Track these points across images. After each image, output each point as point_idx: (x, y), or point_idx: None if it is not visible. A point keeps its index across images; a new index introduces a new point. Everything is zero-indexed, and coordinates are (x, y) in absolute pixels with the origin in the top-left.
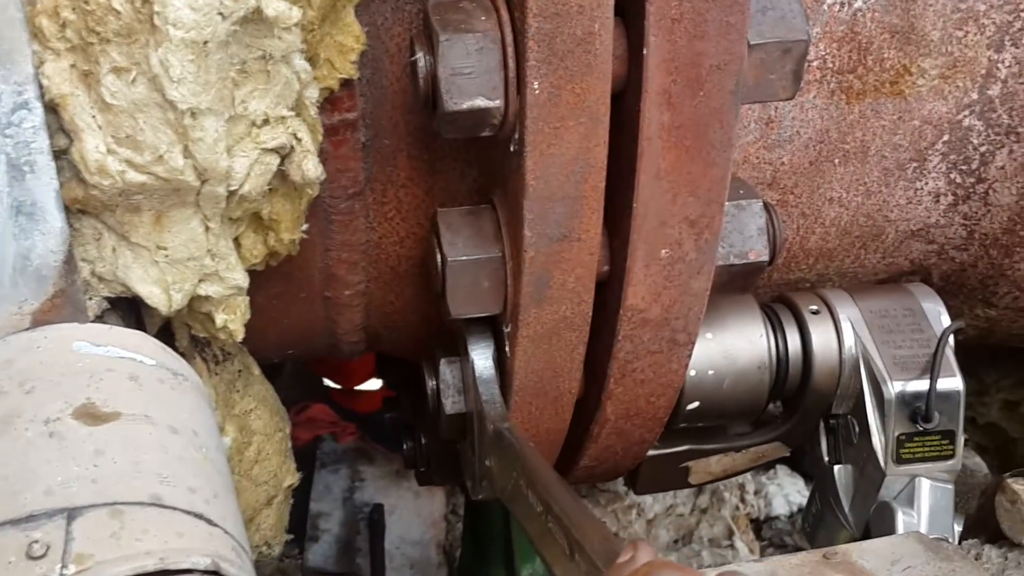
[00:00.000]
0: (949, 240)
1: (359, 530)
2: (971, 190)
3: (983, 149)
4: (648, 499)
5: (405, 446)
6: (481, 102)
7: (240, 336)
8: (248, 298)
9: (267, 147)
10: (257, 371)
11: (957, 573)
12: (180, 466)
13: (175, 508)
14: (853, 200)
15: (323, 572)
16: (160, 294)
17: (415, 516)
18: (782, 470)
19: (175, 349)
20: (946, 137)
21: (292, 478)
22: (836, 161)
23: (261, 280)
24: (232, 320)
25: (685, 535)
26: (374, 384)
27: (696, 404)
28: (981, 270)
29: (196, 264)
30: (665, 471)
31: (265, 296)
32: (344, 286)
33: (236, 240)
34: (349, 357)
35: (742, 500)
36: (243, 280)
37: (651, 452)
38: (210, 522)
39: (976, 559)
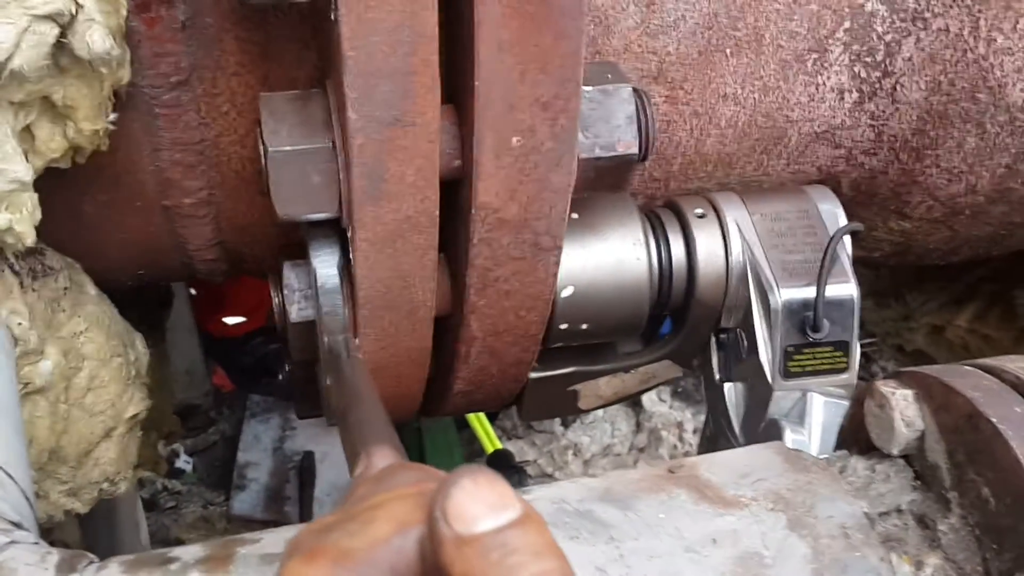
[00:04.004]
0: (857, 143)
1: (288, 478)
2: (877, 85)
3: (888, 38)
4: (585, 439)
5: (281, 376)
6: None
7: (30, 239)
8: (36, 195)
9: (39, 13)
10: (92, 290)
11: (813, 485)
12: None
13: None
14: (750, 97)
15: (249, 520)
16: None
17: (346, 463)
18: None
19: None
20: (847, 24)
21: (136, 407)
22: (728, 51)
23: (84, 185)
24: (18, 220)
25: None
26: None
27: (567, 321)
28: (892, 177)
29: None
30: (552, 395)
31: (93, 204)
32: (183, 193)
33: (28, 130)
34: (212, 279)
35: (680, 439)
36: (25, 173)
37: (534, 375)
38: None
39: (840, 472)
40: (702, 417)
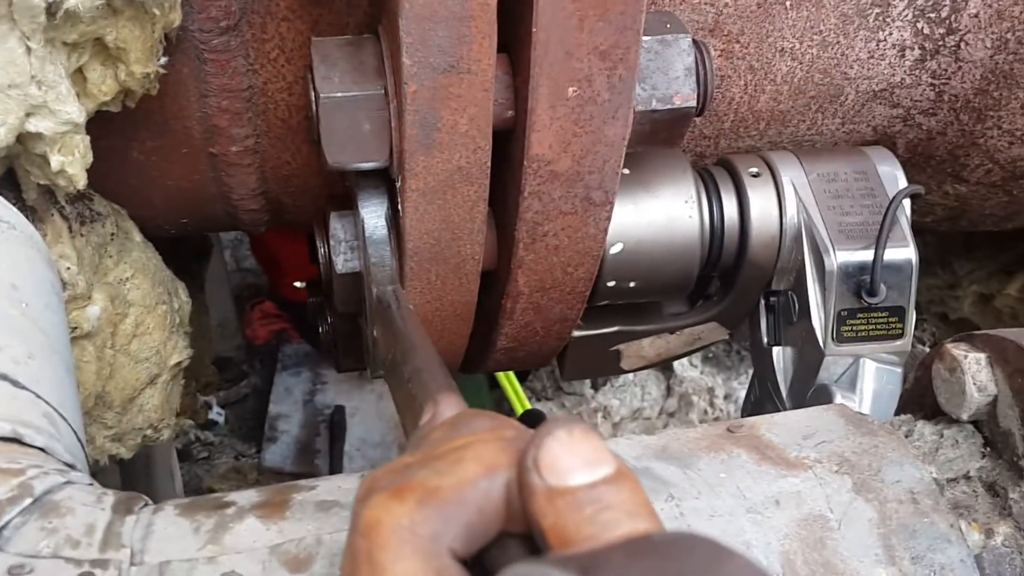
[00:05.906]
0: (916, 103)
1: (319, 431)
2: (940, 43)
3: None
4: (615, 402)
5: (321, 329)
6: None
7: (81, 182)
8: (88, 137)
9: None
10: (138, 237)
11: (880, 449)
12: None
13: None
14: (808, 52)
15: (280, 472)
16: None
17: (377, 418)
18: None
19: (22, 203)
20: None
21: (179, 356)
22: (788, 3)
23: (132, 131)
24: (70, 163)
25: None
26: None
27: (615, 278)
28: (951, 138)
29: (19, 93)
30: (594, 354)
31: (141, 150)
32: (229, 140)
33: (80, 72)
34: (254, 229)
35: (711, 404)
36: (77, 114)
37: (577, 333)
38: (16, 384)
39: (906, 436)
40: (733, 383)
